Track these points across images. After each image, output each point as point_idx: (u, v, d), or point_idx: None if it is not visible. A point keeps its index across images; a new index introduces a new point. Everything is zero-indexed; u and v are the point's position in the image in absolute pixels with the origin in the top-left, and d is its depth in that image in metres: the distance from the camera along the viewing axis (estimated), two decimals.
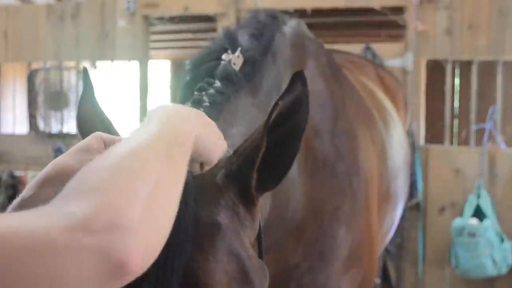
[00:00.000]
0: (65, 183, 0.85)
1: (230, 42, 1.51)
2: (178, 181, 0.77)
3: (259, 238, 1.09)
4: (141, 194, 0.67)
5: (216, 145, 1.00)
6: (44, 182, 0.94)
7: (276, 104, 0.96)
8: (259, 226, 1.08)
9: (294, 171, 1.60)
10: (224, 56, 1.43)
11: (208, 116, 1.16)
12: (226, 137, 1.01)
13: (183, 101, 1.36)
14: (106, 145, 0.98)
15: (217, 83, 1.33)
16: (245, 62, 1.44)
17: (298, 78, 0.98)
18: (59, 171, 0.94)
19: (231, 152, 1.05)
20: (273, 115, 0.97)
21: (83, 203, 0.64)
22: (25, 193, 0.94)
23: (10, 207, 0.94)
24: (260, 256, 1.06)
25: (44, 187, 0.93)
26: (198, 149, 0.93)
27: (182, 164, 0.81)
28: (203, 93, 1.28)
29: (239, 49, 1.46)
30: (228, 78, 1.37)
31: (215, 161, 1.00)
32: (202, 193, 0.95)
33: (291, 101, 0.99)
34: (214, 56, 1.47)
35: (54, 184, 0.92)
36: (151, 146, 0.75)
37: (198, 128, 0.92)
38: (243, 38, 1.53)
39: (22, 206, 0.93)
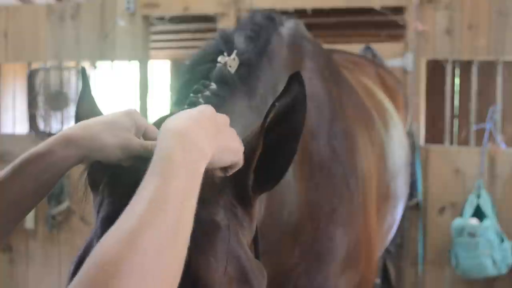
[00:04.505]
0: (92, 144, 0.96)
1: (226, 44, 1.51)
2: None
3: (256, 239, 1.09)
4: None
5: (230, 149, 0.94)
6: (68, 141, 1.01)
7: (272, 105, 0.97)
8: (256, 227, 1.08)
9: (289, 174, 1.60)
10: (219, 59, 1.43)
11: None
12: None
13: (178, 103, 1.37)
14: (137, 125, 1.02)
15: (213, 85, 1.33)
16: (240, 65, 1.44)
17: (295, 79, 0.99)
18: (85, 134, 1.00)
19: None
20: (269, 117, 0.97)
21: None
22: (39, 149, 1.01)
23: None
24: (257, 257, 1.06)
25: (68, 146, 1.02)
26: (214, 164, 0.91)
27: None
28: (199, 95, 1.27)
29: (235, 51, 1.45)
30: (224, 80, 1.37)
31: (234, 163, 0.96)
32: (200, 193, 0.95)
33: (288, 102, 0.99)
34: (210, 58, 1.46)
35: (78, 145, 1.00)
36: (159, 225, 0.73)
37: (211, 150, 0.88)
38: (239, 41, 1.53)
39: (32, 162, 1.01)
